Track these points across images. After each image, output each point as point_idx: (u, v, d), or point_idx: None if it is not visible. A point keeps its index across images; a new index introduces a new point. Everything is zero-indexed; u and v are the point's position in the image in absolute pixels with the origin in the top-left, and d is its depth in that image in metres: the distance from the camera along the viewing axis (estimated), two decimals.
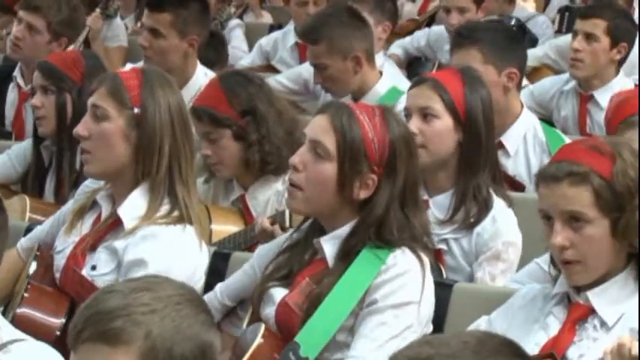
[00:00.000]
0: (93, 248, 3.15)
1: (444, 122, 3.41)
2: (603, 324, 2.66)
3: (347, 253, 2.86)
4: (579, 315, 2.68)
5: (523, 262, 3.38)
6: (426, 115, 3.42)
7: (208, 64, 5.17)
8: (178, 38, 4.85)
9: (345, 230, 2.88)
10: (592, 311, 2.67)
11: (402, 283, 2.80)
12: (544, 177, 2.69)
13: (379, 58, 4.88)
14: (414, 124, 3.39)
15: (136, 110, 3.11)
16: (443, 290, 3.00)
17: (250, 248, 3.63)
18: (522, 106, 4.24)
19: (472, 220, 3.38)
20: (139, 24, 6.92)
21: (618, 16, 4.97)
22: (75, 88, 4.12)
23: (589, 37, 4.87)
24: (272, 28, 7.15)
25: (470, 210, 3.38)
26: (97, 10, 6.11)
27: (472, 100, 3.42)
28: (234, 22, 7.17)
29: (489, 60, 4.09)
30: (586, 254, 2.65)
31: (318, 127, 2.87)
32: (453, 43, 4.28)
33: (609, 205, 2.62)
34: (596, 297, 2.67)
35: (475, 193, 3.38)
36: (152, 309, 1.85)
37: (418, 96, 3.45)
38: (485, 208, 3.38)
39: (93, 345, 1.85)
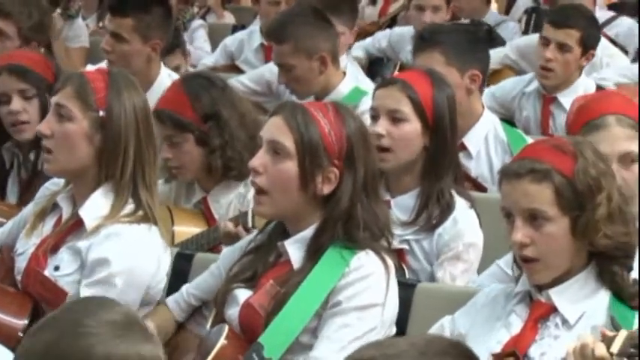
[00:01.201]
0: (55, 249, 3.13)
1: (413, 126, 3.42)
2: (565, 322, 2.68)
3: (314, 253, 2.86)
4: (541, 313, 2.70)
5: (485, 262, 3.40)
6: (394, 117, 3.42)
7: (166, 52, 5.16)
8: (141, 43, 4.83)
9: (309, 232, 2.88)
10: (554, 309, 2.69)
11: (366, 286, 2.81)
12: (506, 174, 2.71)
13: (343, 60, 4.90)
14: (382, 126, 3.39)
15: (101, 113, 3.09)
16: (406, 290, 3.01)
17: (213, 249, 3.63)
18: (483, 107, 4.26)
19: (434, 222, 3.40)
20: (100, 24, 6.89)
21: (589, 24, 4.99)
22: (50, 89, 4.08)
23: (562, 47, 4.88)
24: (235, 29, 7.15)
25: (432, 212, 3.40)
26: (58, 10, 6.08)
27: (440, 103, 3.44)
28: (197, 22, 7.16)
29: (452, 62, 4.10)
30: (546, 252, 2.67)
31: (274, 128, 2.88)
32: (415, 45, 4.29)
33: (570, 204, 2.64)
34: (557, 295, 2.69)
35: (438, 196, 3.40)
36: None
37: (387, 97, 3.45)
38: (447, 210, 3.39)
39: None
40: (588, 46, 4.90)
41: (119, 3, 4.89)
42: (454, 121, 3.47)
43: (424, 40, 4.20)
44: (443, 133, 3.42)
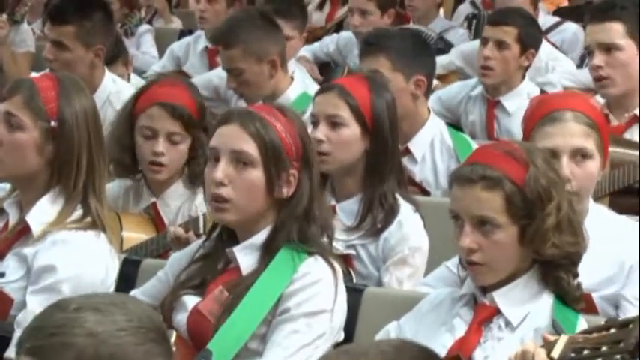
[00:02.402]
0: (1, 256, 3.11)
1: (352, 130, 3.44)
2: (508, 324, 2.70)
3: (266, 256, 2.85)
4: (485, 315, 2.73)
5: (430, 265, 3.42)
6: (333, 122, 3.44)
7: (106, 62, 5.14)
8: (84, 49, 4.79)
9: (260, 236, 2.88)
10: (497, 311, 2.72)
11: (315, 292, 2.81)
12: (458, 178, 2.72)
13: (291, 64, 4.90)
14: (322, 132, 3.41)
15: (52, 123, 3.07)
16: (353, 295, 3.01)
17: (162, 255, 3.62)
18: (429, 112, 4.29)
19: (379, 226, 3.42)
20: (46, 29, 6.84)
21: (527, 23, 5.04)
22: None
23: (500, 44, 4.93)
24: (182, 34, 7.13)
25: (377, 217, 3.42)
26: (4, 15, 6.03)
27: (379, 107, 3.45)
28: (144, 27, 7.14)
29: (398, 67, 4.13)
30: (492, 258, 2.69)
31: (233, 137, 2.85)
32: (361, 50, 4.31)
33: (519, 212, 2.66)
34: (501, 297, 2.71)
35: (382, 200, 3.41)
36: (90, 332, 1.79)
37: (325, 103, 3.47)
38: (391, 214, 3.41)
39: (27, 358, 1.80)
40: (527, 44, 4.94)
41: (59, 11, 4.85)
42: (394, 125, 3.49)
43: (370, 45, 4.22)
44: (383, 137, 3.44)
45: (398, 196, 3.45)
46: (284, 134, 2.85)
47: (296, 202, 2.86)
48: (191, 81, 4.12)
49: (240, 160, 2.84)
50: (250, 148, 2.83)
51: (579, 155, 3.07)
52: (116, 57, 5.46)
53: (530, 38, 4.98)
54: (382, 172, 3.43)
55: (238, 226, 2.92)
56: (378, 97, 3.47)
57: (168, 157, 3.70)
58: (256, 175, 2.83)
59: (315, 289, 2.81)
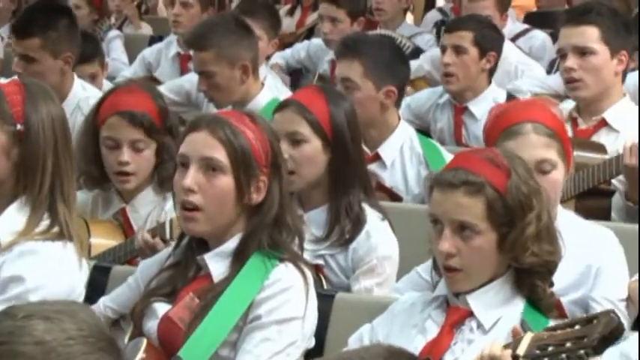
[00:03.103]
0: None
1: (313, 145, 3.43)
2: (480, 326, 2.71)
3: (237, 263, 2.85)
4: (457, 318, 2.73)
5: (401, 271, 3.42)
6: (294, 140, 3.43)
7: (83, 60, 5.11)
8: (52, 59, 4.78)
9: (231, 244, 2.87)
10: (470, 314, 2.72)
11: (286, 299, 2.81)
12: (440, 182, 2.71)
13: (262, 70, 4.91)
14: (283, 150, 3.41)
15: (18, 127, 3.05)
16: (324, 301, 3.01)
17: (130, 261, 3.61)
18: (399, 118, 4.30)
19: (347, 236, 3.42)
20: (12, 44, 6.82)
21: (483, 26, 5.07)
22: None
23: (457, 49, 4.95)
24: (152, 40, 7.12)
25: (344, 227, 3.41)
26: None
27: (338, 119, 3.44)
28: (113, 33, 7.12)
29: (370, 75, 4.14)
30: (470, 264, 2.69)
31: (202, 144, 2.84)
32: (337, 51, 4.31)
33: (500, 219, 2.67)
34: (474, 300, 2.72)
35: (348, 210, 3.41)
36: (38, 340, 1.77)
37: (284, 121, 3.46)
38: (358, 224, 3.41)
39: None
40: (485, 47, 4.96)
41: (23, 24, 4.82)
42: (355, 134, 3.48)
43: (346, 48, 4.22)
44: (344, 148, 3.43)
45: (365, 205, 3.45)
46: (254, 140, 2.84)
47: (267, 208, 2.85)
48: (152, 85, 4.10)
49: (209, 167, 2.83)
50: (220, 154, 2.82)
51: (544, 167, 3.08)
52: (93, 56, 5.44)
53: (488, 40, 4.99)
54: (346, 182, 3.43)
55: (208, 236, 2.91)
56: (336, 108, 3.46)
57: (135, 165, 3.70)
58: (226, 181, 2.83)
59: (286, 296, 2.81)
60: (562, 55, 4.28)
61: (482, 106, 4.93)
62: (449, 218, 2.68)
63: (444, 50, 5.00)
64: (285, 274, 2.83)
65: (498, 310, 2.71)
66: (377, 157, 4.18)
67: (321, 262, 3.43)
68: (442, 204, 2.70)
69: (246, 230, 2.87)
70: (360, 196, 3.45)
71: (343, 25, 6.01)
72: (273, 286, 2.81)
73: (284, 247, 2.86)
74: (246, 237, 2.86)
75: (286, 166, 2.93)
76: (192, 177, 2.83)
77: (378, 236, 3.41)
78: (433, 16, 7.71)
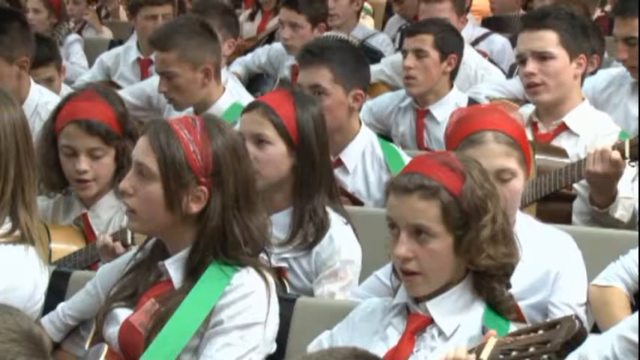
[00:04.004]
0: None
1: (278, 148, 3.43)
2: (441, 333, 2.72)
3: (192, 272, 2.84)
4: (418, 325, 2.74)
5: (363, 276, 3.42)
6: (259, 141, 3.43)
7: (39, 63, 5.08)
8: (7, 64, 4.75)
9: (184, 253, 2.87)
10: (430, 321, 2.73)
11: (248, 304, 2.80)
12: (395, 187, 2.73)
13: (223, 74, 4.90)
14: (249, 151, 3.40)
15: None
16: (285, 305, 3.01)
17: (91, 267, 3.59)
18: (361, 123, 4.31)
19: (310, 240, 3.42)
20: None
21: (443, 29, 5.10)
22: None
23: (418, 53, 4.98)
24: (112, 44, 7.09)
25: (308, 231, 3.41)
26: None
27: (304, 123, 3.45)
28: (73, 37, 7.08)
29: (339, 80, 4.14)
30: (427, 267, 2.70)
31: (141, 149, 2.86)
32: (301, 59, 4.30)
33: (455, 222, 2.68)
34: (434, 307, 2.73)
35: (312, 214, 3.41)
36: None
37: (250, 122, 3.47)
38: (322, 228, 3.41)
39: None
40: (445, 49, 4.99)
41: None
42: (322, 139, 3.48)
43: (312, 55, 4.22)
44: (310, 153, 3.44)
45: (329, 209, 3.45)
46: (192, 149, 2.82)
47: (205, 219, 2.83)
48: (111, 90, 4.08)
49: (142, 173, 2.84)
50: (151, 162, 2.83)
51: (504, 175, 3.10)
52: (49, 59, 5.41)
53: (448, 43, 5.02)
54: (310, 186, 3.43)
55: (153, 236, 2.92)
56: (304, 113, 3.46)
57: (93, 173, 3.70)
58: (155, 189, 2.83)
59: (247, 301, 2.80)
60: (522, 60, 4.30)
61: (444, 110, 4.95)
62: (405, 222, 2.69)
63: (405, 54, 5.03)
64: (246, 279, 2.83)
65: (458, 317, 2.72)
66: (339, 163, 4.18)
67: (284, 264, 3.42)
68: (398, 208, 2.71)
69: (193, 239, 2.86)
70: (325, 201, 3.45)
71: (304, 30, 6.01)
72: (234, 291, 2.80)
73: (240, 256, 2.84)
74: (194, 246, 2.86)
75: (240, 176, 2.87)
76: (127, 179, 2.87)
77: (341, 240, 3.42)
78: (396, 20, 7.74)
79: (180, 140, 2.83)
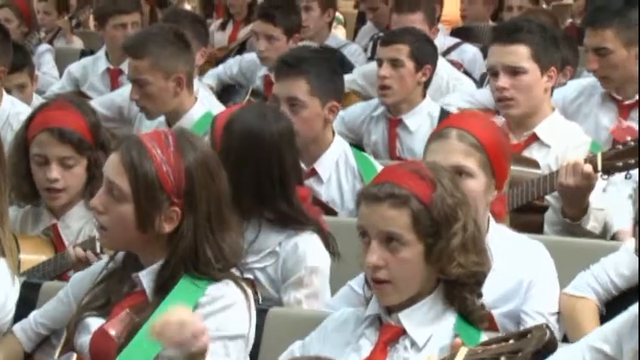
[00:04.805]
0: None
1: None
2: (413, 344, 2.72)
3: (164, 284, 2.82)
4: (390, 336, 2.74)
5: (337, 285, 3.42)
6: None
7: (11, 70, 5.05)
8: None
9: (156, 267, 2.85)
10: (403, 332, 2.73)
11: (230, 316, 2.79)
12: (366, 196, 2.74)
13: (195, 84, 4.89)
14: None
15: None
16: (257, 316, 2.99)
17: (61, 276, 3.57)
18: (334, 133, 4.31)
19: (273, 249, 3.40)
20: None
21: (419, 39, 5.11)
22: None
23: (394, 62, 4.99)
24: (83, 54, 7.07)
25: (269, 240, 3.40)
26: None
27: (229, 135, 3.43)
28: (44, 47, 7.05)
29: (316, 92, 4.15)
30: (398, 276, 2.71)
31: (112, 167, 2.83)
32: (278, 70, 4.29)
33: (425, 230, 2.69)
34: (406, 318, 2.73)
35: (269, 223, 3.40)
36: None
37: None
38: (282, 236, 3.39)
39: None
40: (420, 60, 5.00)
41: None
42: (274, 152, 3.43)
43: (288, 67, 4.22)
44: (229, 165, 3.32)
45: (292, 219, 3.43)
46: (165, 169, 2.79)
47: (178, 238, 2.81)
48: (84, 101, 4.08)
49: (113, 192, 2.81)
50: (122, 181, 2.79)
51: (458, 174, 3.10)
52: (22, 66, 5.39)
53: (423, 54, 5.04)
54: (260, 197, 3.40)
55: (127, 251, 2.90)
56: (235, 125, 3.45)
57: (64, 182, 3.68)
58: (127, 209, 2.79)
59: (229, 313, 2.79)
60: (493, 73, 4.31)
61: (416, 119, 4.96)
62: (376, 230, 2.70)
63: (380, 63, 5.04)
64: (226, 291, 2.81)
65: (430, 327, 2.73)
66: (313, 173, 4.18)
67: (250, 276, 3.41)
68: (369, 217, 2.72)
69: (164, 256, 2.83)
70: (285, 211, 3.41)
71: (279, 42, 6.01)
72: (214, 302, 2.79)
73: (211, 272, 2.82)
74: (165, 264, 2.83)
75: (213, 193, 2.84)
76: (99, 197, 2.84)
77: (306, 247, 3.41)
78: (369, 29, 7.76)
79: (153, 160, 2.79)
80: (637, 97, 4.73)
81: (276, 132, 3.48)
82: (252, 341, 2.86)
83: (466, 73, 6.27)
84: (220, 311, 2.78)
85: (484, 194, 3.15)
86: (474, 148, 3.13)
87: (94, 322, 2.88)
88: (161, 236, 2.82)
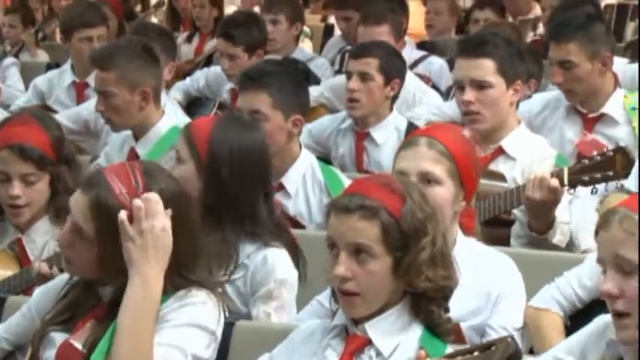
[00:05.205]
0: None
1: (187, 167, 3.42)
2: (379, 354, 2.73)
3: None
4: (356, 346, 2.74)
5: (305, 299, 3.42)
6: (177, 158, 3.47)
7: None
8: None
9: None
10: (369, 342, 2.74)
11: (200, 310, 2.78)
12: (336, 207, 2.74)
13: (162, 97, 4.88)
14: (167, 165, 3.41)
15: None
16: (224, 329, 2.99)
17: (26, 291, 3.55)
18: (301, 147, 4.32)
19: (240, 262, 3.39)
20: None
21: (388, 53, 5.13)
22: None
23: (363, 76, 5.01)
24: (49, 67, 7.04)
25: (234, 255, 3.38)
26: None
27: (217, 146, 3.41)
28: (9, 60, 7.02)
29: (278, 105, 4.15)
30: (365, 288, 2.71)
31: (78, 210, 2.79)
32: (241, 84, 4.30)
33: (395, 243, 2.69)
34: (372, 328, 2.73)
35: (228, 241, 3.37)
36: None
37: (177, 140, 3.52)
38: (237, 258, 3.37)
39: None
40: (390, 74, 5.03)
41: None
42: (241, 164, 3.41)
43: (252, 80, 4.22)
44: (217, 177, 3.38)
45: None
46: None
47: None
48: (48, 115, 4.06)
49: (79, 234, 2.79)
50: (87, 226, 2.76)
51: (425, 179, 3.12)
52: None
53: (393, 68, 5.06)
54: (219, 212, 3.37)
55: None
56: (221, 135, 3.43)
57: (26, 198, 3.68)
58: (91, 250, 2.77)
59: (200, 308, 2.78)
60: (459, 86, 4.33)
61: (383, 133, 4.98)
62: (345, 241, 2.70)
63: (349, 76, 5.05)
64: (197, 292, 2.80)
65: (396, 337, 2.73)
66: (281, 187, 4.18)
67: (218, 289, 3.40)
68: (338, 227, 2.72)
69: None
70: (247, 228, 3.39)
71: (241, 60, 6.02)
72: (185, 298, 2.77)
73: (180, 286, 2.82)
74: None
75: (180, 234, 2.78)
76: (64, 234, 2.82)
77: (275, 260, 3.39)
78: (336, 41, 7.78)
79: (121, 205, 2.75)
80: (601, 110, 4.78)
81: (260, 142, 3.50)
82: (215, 353, 2.85)
83: (434, 86, 6.30)
84: (190, 304, 2.77)
85: (451, 203, 3.16)
86: (442, 156, 3.15)
87: (59, 337, 2.86)
88: (125, 270, 2.78)
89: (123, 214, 2.72)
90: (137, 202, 2.73)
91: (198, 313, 2.78)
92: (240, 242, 3.39)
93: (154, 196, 2.74)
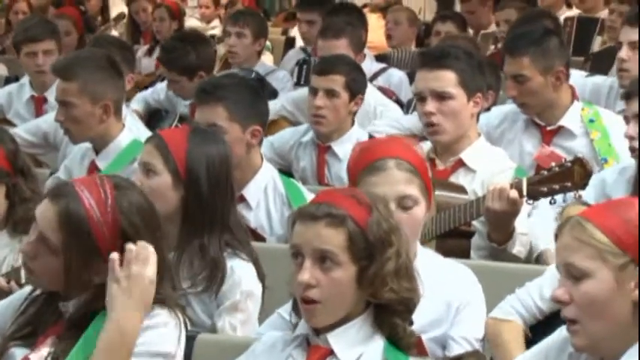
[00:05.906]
0: None
1: (162, 179, 3.43)
2: None
3: (87, 314, 2.80)
4: (318, 357, 2.74)
5: (265, 312, 3.42)
6: (148, 170, 3.46)
7: None
8: None
9: (87, 299, 2.82)
10: (331, 352, 2.74)
11: (160, 334, 2.77)
12: (302, 215, 2.74)
13: (123, 110, 4.86)
14: (137, 179, 3.40)
15: None
16: (186, 342, 2.98)
17: None
18: (262, 159, 4.32)
19: (206, 283, 3.38)
20: None
21: (352, 69, 5.15)
22: None
23: (329, 93, 5.01)
24: (8, 80, 6.98)
25: (199, 271, 3.38)
26: None
27: (194, 158, 3.44)
28: None
29: (235, 117, 4.16)
30: (328, 296, 2.71)
31: (45, 220, 2.78)
32: (197, 98, 4.31)
33: (360, 253, 2.70)
34: (334, 338, 2.74)
35: (202, 252, 3.39)
36: None
37: (144, 152, 3.52)
38: (216, 269, 3.38)
39: None
40: (354, 90, 5.05)
41: None
42: (216, 176, 3.45)
43: (206, 94, 4.23)
44: (196, 188, 3.41)
45: (229, 248, 3.42)
46: (100, 228, 2.74)
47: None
48: (1, 128, 4.04)
49: (46, 244, 2.77)
50: (54, 236, 2.75)
51: (406, 202, 3.14)
52: None
53: (357, 84, 5.09)
54: (198, 223, 3.40)
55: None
56: (196, 148, 3.46)
57: None
58: (56, 261, 2.76)
59: (160, 331, 2.77)
60: (420, 98, 4.35)
61: (345, 147, 4.99)
62: (310, 248, 2.71)
63: (314, 92, 5.05)
64: (158, 312, 2.79)
65: (359, 348, 2.73)
66: (242, 199, 4.18)
67: (182, 302, 3.39)
68: (303, 235, 2.73)
69: (93, 294, 2.79)
70: (224, 239, 3.42)
71: (182, 83, 6.06)
72: (146, 319, 2.76)
73: None
74: (92, 299, 2.79)
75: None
76: (29, 244, 2.81)
77: (241, 272, 3.40)
78: (294, 54, 7.78)
79: (89, 218, 2.74)
80: (559, 123, 4.82)
81: (228, 153, 3.54)
82: None
83: (397, 100, 6.32)
84: (151, 328, 2.76)
85: (424, 219, 3.19)
86: (412, 175, 3.17)
87: (20, 353, 2.84)
88: (90, 284, 2.78)
89: (115, 255, 2.71)
90: (131, 246, 2.72)
91: (158, 338, 2.77)
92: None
93: (148, 245, 2.74)
